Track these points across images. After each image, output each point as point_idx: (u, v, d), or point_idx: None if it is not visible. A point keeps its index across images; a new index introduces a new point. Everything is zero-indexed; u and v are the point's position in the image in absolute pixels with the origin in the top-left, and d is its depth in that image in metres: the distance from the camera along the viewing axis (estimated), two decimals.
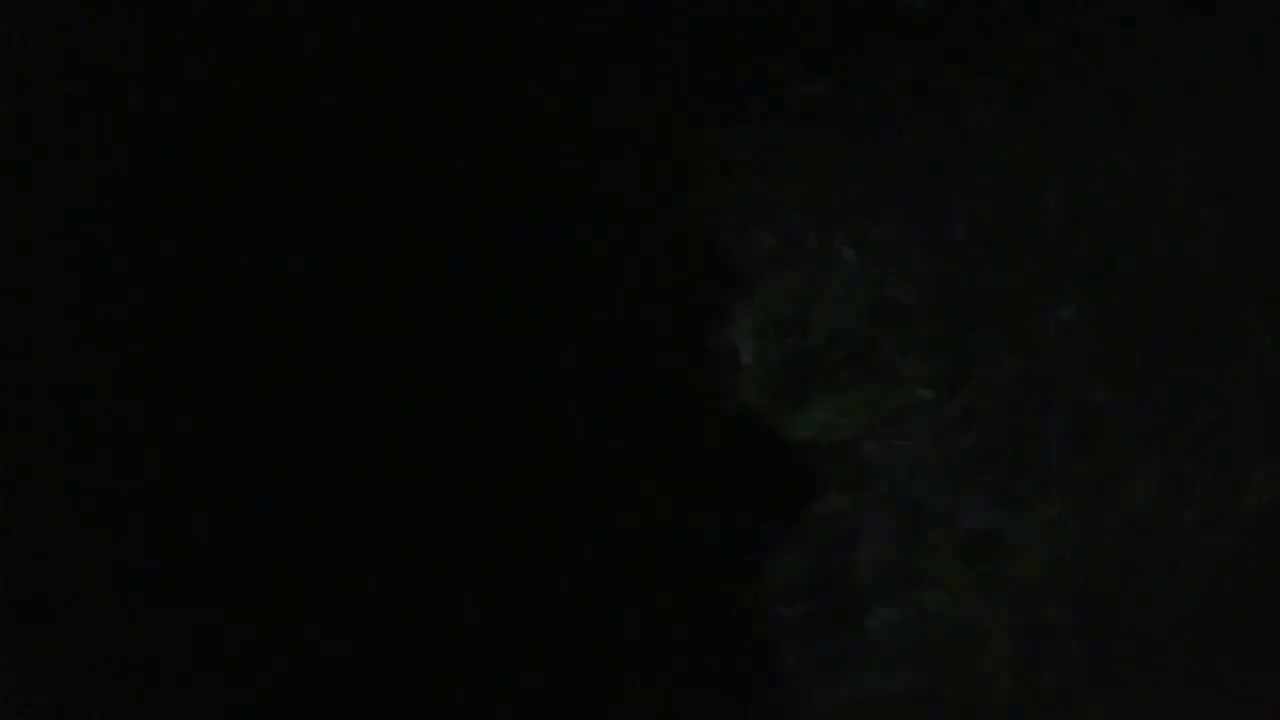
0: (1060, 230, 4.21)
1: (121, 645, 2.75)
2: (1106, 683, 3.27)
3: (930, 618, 3.34)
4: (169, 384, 2.84)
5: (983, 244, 4.22)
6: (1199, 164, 4.29)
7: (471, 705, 2.81)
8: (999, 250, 4.20)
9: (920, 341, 3.88)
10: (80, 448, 2.80)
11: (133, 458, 2.80)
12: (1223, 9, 4.70)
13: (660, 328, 3.03)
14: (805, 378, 3.69)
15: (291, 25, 2.68)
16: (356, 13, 2.75)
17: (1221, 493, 3.51)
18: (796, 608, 3.38)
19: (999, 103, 4.66)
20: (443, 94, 2.84)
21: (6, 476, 2.74)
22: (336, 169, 2.83)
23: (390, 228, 2.86)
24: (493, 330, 2.95)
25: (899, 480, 3.65)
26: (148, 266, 2.78)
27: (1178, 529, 3.43)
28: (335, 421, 2.89)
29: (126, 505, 2.80)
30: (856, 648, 3.44)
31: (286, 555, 2.83)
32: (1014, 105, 4.63)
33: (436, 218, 2.89)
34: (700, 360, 3.15)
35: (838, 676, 3.38)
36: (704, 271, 3.12)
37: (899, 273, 4.15)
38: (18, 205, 2.67)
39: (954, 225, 4.28)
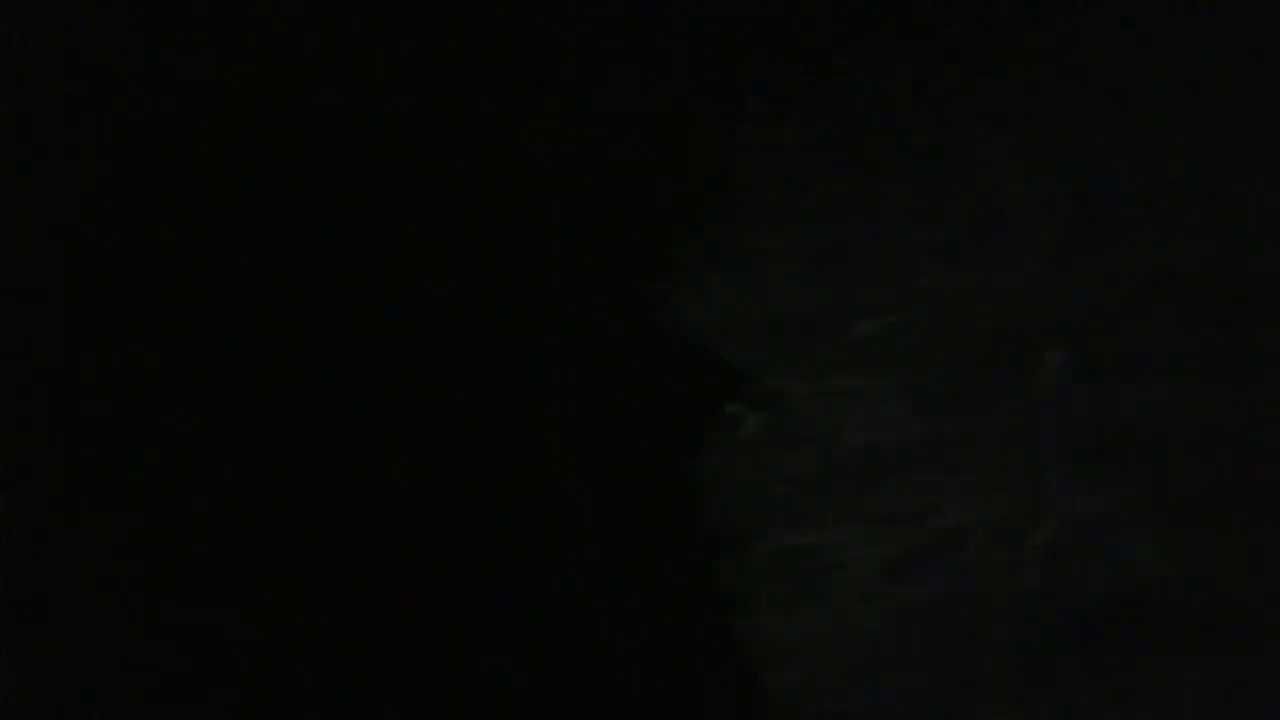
0: (875, 251, 4.22)
1: (121, 645, 2.76)
2: (920, 697, 3.27)
3: (741, 637, 3.34)
4: (169, 384, 2.85)
5: (792, 262, 4.22)
6: (1023, 195, 4.30)
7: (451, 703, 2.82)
8: (809, 267, 4.19)
9: (726, 360, 3.89)
10: (80, 448, 2.81)
11: (133, 458, 2.81)
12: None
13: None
14: None
15: (292, 25, 2.68)
16: (356, 13, 2.76)
17: (1025, 514, 3.53)
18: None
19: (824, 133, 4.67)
20: (443, 94, 2.84)
21: (6, 476, 2.75)
22: (336, 168, 2.84)
23: (388, 227, 2.87)
24: (480, 330, 2.96)
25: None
26: (147, 266, 2.79)
27: (985, 548, 3.44)
28: (334, 421, 2.89)
29: (127, 505, 2.80)
30: None
31: (283, 555, 2.84)
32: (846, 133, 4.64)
33: (435, 217, 2.90)
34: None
35: None
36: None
37: (703, 294, 4.15)
38: (18, 205, 2.68)
39: (759, 244, 4.28)
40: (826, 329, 4.04)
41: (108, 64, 2.60)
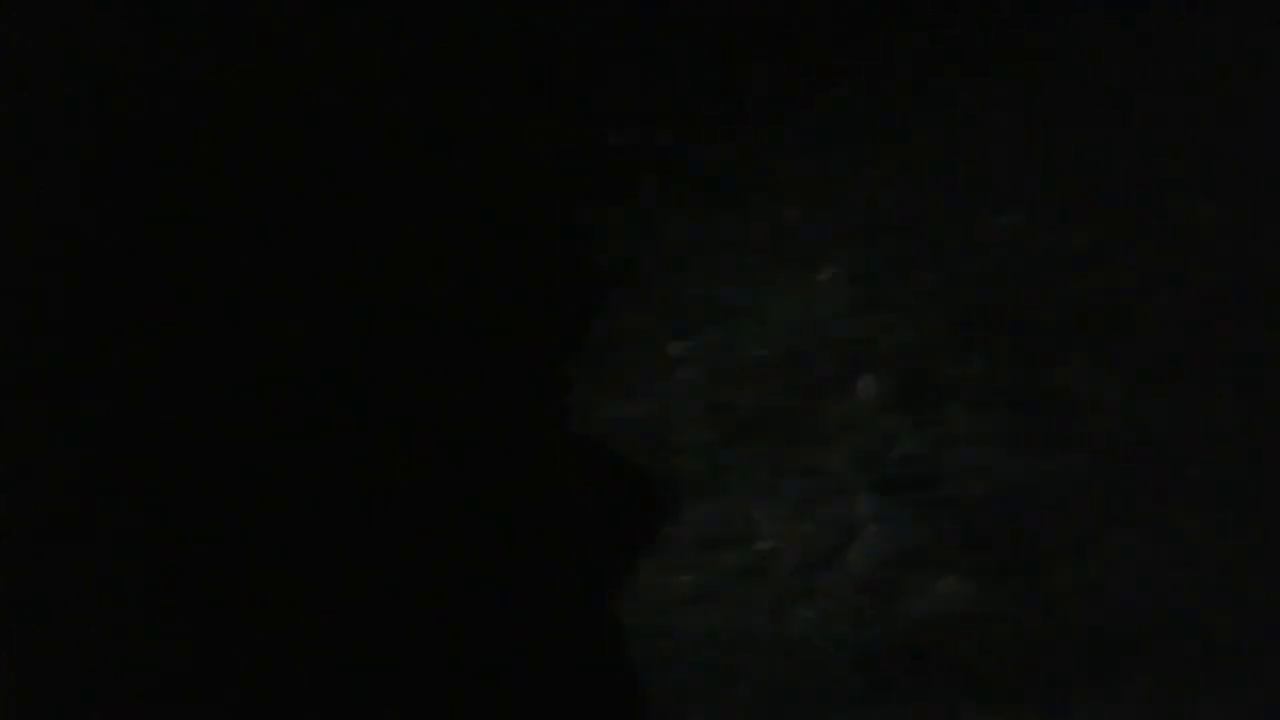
0: (701, 268, 4.20)
1: (121, 645, 2.75)
2: None
3: (540, 667, 3.33)
4: (169, 384, 2.84)
5: (609, 281, 4.19)
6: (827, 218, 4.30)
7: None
8: (621, 288, 4.16)
9: (536, 374, 3.85)
10: (80, 448, 2.81)
11: (133, 458, 2.81)
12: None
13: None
14: None
15: (292, 25, 2.68)
16: (356, 13, 2.76)
17: (837, 542, 3.51)
18: None
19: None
20: (443, 94, 2.84)
21: (6, 476, 2.75)
22: (336, 168, 2.84)
23: (388, 227, 2.87)
24: (479, 330, 2.96)
25: None
26: (147, 266, 2.79)
27: (794, 575, 3.43)
28: (334, 421, 2.89)
29: (126, 505, 2.80)
30: None
31: (283, 555, 2.84)
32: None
33: (435, 217, 2.90)
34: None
35: None
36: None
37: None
38: (18, 205, 2.68)
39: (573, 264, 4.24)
40: (642, 348, 4.01)
41: (108, 64, 2.60)
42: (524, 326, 3.24)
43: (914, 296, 3.88)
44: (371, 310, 2.84)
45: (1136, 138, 4.44)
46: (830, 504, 3.58)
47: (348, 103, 2.74)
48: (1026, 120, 4.55)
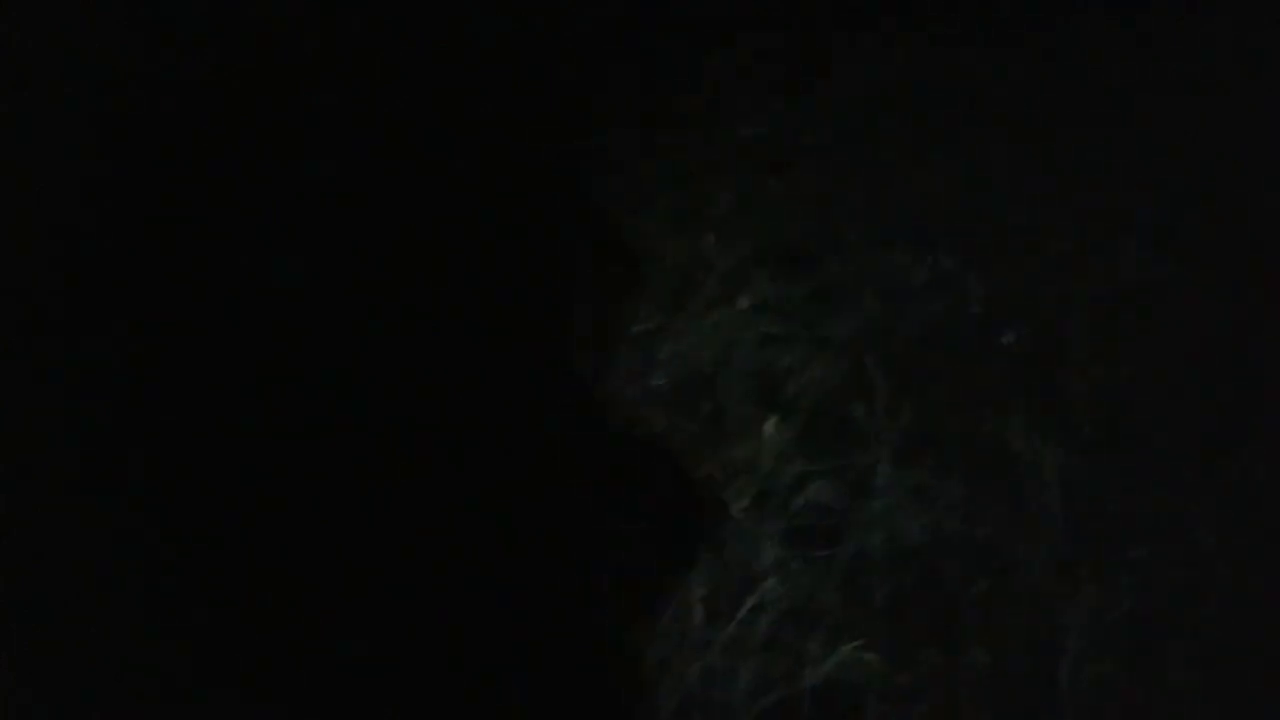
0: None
1: (121, 645, 2.76)
2: None
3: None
4: (169, 385, 2.85)
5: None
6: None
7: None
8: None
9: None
10: (81, 448, 2.81)
11: (134, 459, 2.82)
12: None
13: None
14: None
15: (292, 25, 2.68)
16: (356, 13, 2.76)
17: (734, 593, 3.46)
18: None
19: None
20: (443, 94, 2.85)
21: (6, 476, 2.75)
22: (336, 168, 2.84)
23: (390, 229, 2.87)
24: (480, 333, 2.96)
25: None
26: (147, 266, 2.80)
27: (685, 629, 3.37)
28: (334, 421, 2.90)
29: (127, 506, 2.81)
30: None
31: (283, 555, 2.84)
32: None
33: (436, 218, 2.90)
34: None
35: None
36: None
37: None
38: (17, 205, 2.68)
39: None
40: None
41: (108, 64, 2.61)
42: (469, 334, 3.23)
43: (839, 332, 3.78)
44: (371, 310, 2.85)
45: (1136, 139, 4.45)
46: (728, 551, 3.49)
47: (348, 103, 2.75)
48: (1026, 120, 4.55)
